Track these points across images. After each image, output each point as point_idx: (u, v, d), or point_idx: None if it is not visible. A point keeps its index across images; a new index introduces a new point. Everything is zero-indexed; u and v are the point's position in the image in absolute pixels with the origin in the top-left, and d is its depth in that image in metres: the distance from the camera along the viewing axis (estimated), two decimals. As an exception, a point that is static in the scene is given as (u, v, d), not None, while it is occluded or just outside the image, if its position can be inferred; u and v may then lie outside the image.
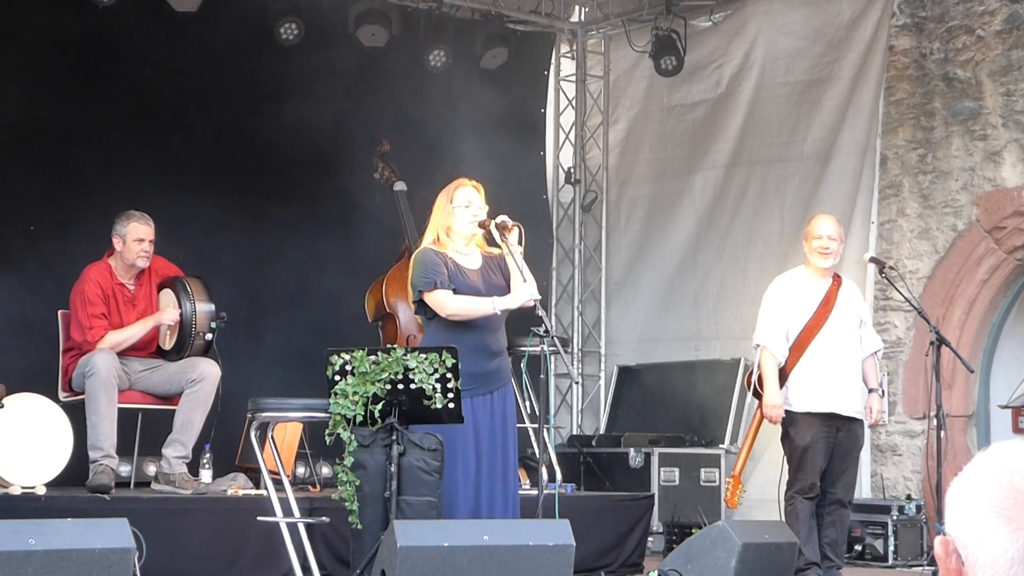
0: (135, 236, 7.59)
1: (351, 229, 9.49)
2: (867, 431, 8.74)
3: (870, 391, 7.61)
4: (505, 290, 6.29)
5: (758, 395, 7.88)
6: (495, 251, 6.37)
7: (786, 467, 7.56)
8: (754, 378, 7.61)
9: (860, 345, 7.60)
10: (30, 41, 8.79)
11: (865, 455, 9.22)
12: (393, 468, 5.71)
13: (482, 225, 6.27)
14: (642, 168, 11.25)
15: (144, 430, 7.86)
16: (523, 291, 6.16)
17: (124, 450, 7.59)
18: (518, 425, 6.57)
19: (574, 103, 11.56)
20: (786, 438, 7.54)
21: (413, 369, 5.74)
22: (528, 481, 8.89)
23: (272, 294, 9.47)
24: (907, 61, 9.61)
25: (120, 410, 7.35)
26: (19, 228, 8.62)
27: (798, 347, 7.49)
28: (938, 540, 1.89)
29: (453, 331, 6.17)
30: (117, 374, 7.33)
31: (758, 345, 7.54)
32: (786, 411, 7.51)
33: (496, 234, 6.26)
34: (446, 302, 6.14)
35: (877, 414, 7.61)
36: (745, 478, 9.00)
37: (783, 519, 7.43)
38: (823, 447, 7.42)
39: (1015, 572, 1.80)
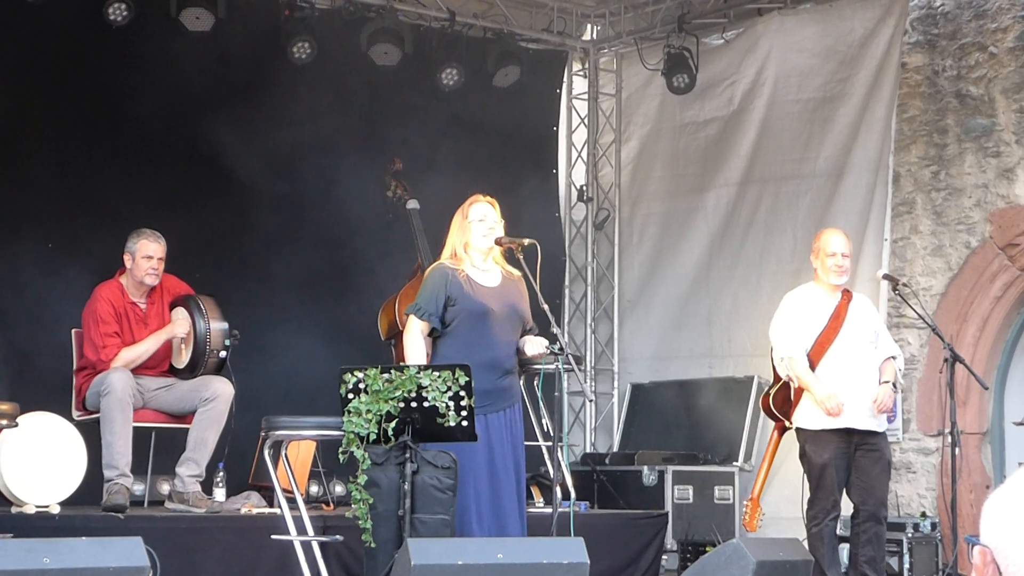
0: (144, 253, 7.60)
1: (364, 247, 9.50)
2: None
3: (882, 383, 7.43)
4: (520, 311, 6.30)
5: (773, 416, 7.85)
6: (515, 272, 6.39)
7: (804, 485, 7.53)
8: (792, 389, 7.53)
9: (875, 359, 7.54)
10: (49, 63, 8.83)
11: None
12: (407, 486, 5.70)
13: (498, 242, 6.30)
14: (654, 186, 11.25)
15: (158, 449, 7.85)
16: None
17: (138, 469, 7.58)
18: (532, 443, 6.57)
19: (586, 121, 11.58)
20: (803, 456, 7.49)
21: (426, 387, 5.73)
22: (542, 499, 8.88)
23: (285, 312, 9.47)
24: (920, 78, 9.62)
25: (134, 429, 7.35)
26: (37, 246, 8.63)
27: (810, 363, 7.46)
28: (976, 550, 1.98)
29: (468, 347, 6.18)
30: (132, 393, 7.33)
31: (783, 358, 7.48)
32: (801, 429, 7.48)
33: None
34: (408, 332, 6.29)
35: (883, 403, 7.36)
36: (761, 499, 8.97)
37: (807, 541, 7.37)
38: (842, 464, 7.36)
39: None
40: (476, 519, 6.09)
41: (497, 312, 6.23)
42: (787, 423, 7.64)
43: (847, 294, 7.59)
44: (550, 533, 6.05)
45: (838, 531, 7.55)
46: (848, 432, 7.35)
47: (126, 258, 7.64)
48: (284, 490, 6.55)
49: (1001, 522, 1.97)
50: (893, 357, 7.60)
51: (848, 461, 7.38)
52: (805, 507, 7.48)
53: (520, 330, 6.35)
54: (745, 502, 8.29)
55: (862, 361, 7.44)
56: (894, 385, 7.48)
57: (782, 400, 7.63)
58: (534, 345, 6.26)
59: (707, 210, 10.76)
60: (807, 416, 7.43)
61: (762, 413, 9.39)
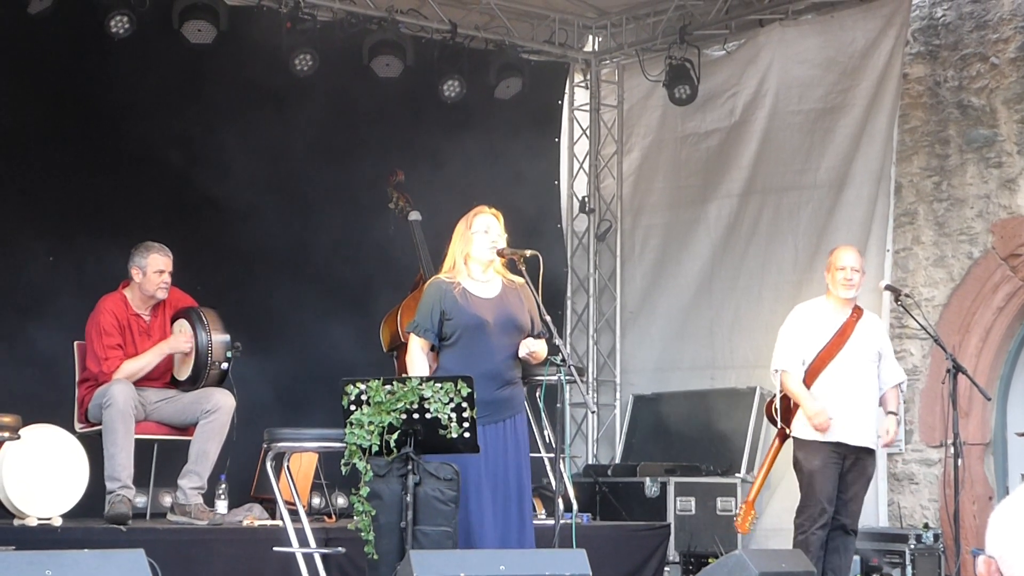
0: (155, 267, 7.60)
1: (366, 259, 9.50)
2: (881, 460, 8.73)
3: (887, 413, 7.60)
4: (519, 322, 6.27)
5: (775, 423, 7.88)
6: (517, 280, 6.37)
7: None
8: (776, 404, 7.61)
9: (876, 378, 7.60)
10: (51, 75, 8.84)
11: (882, 483, 9.21)
12: (409, 498, 5.70)
13: (500, 253, 6.29)
14: (656, 197, 11.25)
15: (160, 461, 7.86)
16: None
17: (140, 481, 7.59)
18: (534, 455, 6.55)
19: (588, 132, 11.58)
20: (796, 464, 7.61)
21: (428, 398, 5.74)
22: (544, 511, 8.87)
23: (286, 324, 9.48)
24: (921, 89, 9.62)
25: (136, 441, 7.35)
26: (38, 259, 8.64)
27: (810, 376, 7.53)
28: (981, 559, 2.06)
29: (466, 358, 6.18)
30: (134, 405, 7.33)
31: (777, 371, 7.57)
32: (795, 438, 7.58)
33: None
34: (410, 351, 6.30)
35: (891, 435, 7.58)
36: (762, 507, 8.96)
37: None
38: (833, 474, 7.48)
39: None
40: (473, 531, 6.07)
41: (493, 324, 6.22)
42: (788, 430, 7.69)
43: (857, 311, 7.62)
44: (552, 545, 6.05)
45: None
46: (841, 445, 7.45)
47: (134, 272, 7.62)
48: (286, 502, 6.55)
49: (1005, 533, 2.03)
50: (899, 385, 7.67)
51: (838, 472, 7.48)
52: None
53: (521, 339, 6.32)
54: (741, 505, 8.32)
55: (861, 379, 7.52)
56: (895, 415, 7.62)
57: (784, 408, 7.67)
58: (523, 346, 6.24)
59: (709, 221, 10.76)
60: (803, 426, 7.52)
61: (764, 424, 9.42)
